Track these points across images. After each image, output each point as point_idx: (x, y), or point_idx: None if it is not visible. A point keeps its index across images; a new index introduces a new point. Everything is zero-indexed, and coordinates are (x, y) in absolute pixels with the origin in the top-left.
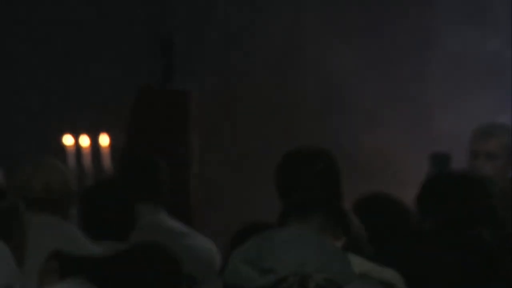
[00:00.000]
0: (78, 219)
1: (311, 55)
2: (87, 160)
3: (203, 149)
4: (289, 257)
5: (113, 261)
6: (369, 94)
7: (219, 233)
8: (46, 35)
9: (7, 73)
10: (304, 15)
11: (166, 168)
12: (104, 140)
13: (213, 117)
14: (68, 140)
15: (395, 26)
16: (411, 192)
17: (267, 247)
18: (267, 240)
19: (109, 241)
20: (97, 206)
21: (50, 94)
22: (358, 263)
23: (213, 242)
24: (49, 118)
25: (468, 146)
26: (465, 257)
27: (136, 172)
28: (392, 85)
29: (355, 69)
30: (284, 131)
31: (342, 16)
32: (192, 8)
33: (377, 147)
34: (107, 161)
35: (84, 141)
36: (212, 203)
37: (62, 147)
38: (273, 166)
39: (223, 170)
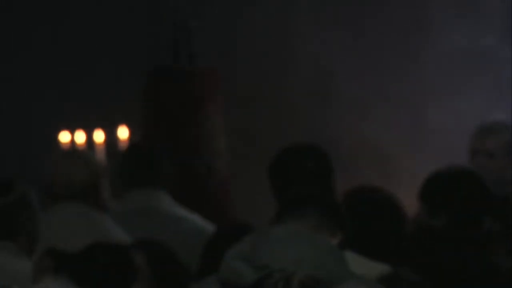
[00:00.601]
0: None
1: (301, 47)
2: None
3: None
4: (284, 255)
5: (108, 259)
6: (361, 88)
7: None
8: (43, 32)
9: (2, 68)
10: (295, 7)
11: (167, 153)
12: (99, 136)
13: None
14: (65, 136)
15: (388, 20)
16: (399, 186)
17: (263, 245)
18: (262, 238)
19: None
20: None
21: (46, 89)
22: (356, 261)
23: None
24: (45, 114)
25: (469, 144)
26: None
27: (131, 158)
28: (384, 79)
29: (347, 63)
30: (275, 125)
31: (334, 8)
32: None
33: (368, 141)
34: (102, 157)
35: (80, 137)
36: None
37: (58, 144)
38: (265, 161)
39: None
